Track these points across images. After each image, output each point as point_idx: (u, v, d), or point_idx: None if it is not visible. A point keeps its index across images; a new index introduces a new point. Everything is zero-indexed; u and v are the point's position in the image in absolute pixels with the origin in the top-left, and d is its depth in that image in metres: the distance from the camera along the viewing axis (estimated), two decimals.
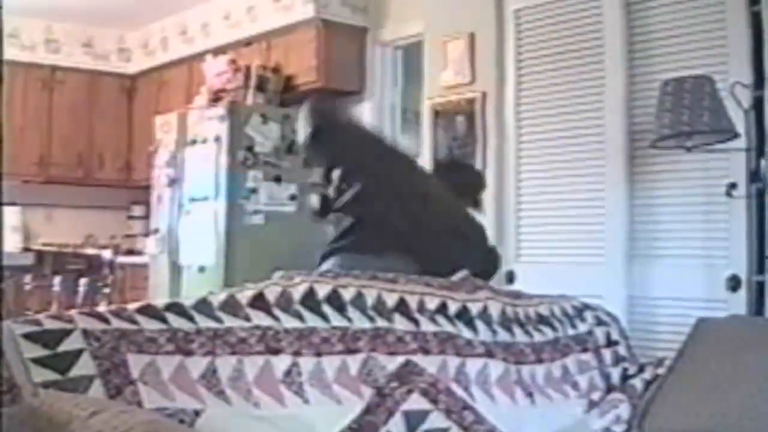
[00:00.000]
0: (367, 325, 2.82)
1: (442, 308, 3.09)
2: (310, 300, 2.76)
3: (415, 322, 2.95)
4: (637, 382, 3.42)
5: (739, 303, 4.27)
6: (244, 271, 5.97)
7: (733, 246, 4.36)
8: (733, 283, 4.32)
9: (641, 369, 3.55)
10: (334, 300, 2.82)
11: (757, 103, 4.28)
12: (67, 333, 2.21)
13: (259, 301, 2.66)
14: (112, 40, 9.49)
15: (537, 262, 5.28)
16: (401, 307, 2.96)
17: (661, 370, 3.45)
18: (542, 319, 3.45)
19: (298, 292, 2.76)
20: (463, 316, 3.13)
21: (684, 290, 4.50)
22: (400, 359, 2.80)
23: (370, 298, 2.91)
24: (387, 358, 2.78)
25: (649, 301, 4.69)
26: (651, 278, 4.71)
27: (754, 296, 4.25)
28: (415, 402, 2.73)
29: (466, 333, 3.07)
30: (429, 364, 2.86)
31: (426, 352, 2.89)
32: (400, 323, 2.91)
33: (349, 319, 2.79)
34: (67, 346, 2.19)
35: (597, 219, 4.94)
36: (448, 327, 3.03)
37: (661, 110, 4.17)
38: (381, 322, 2.86)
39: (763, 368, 3.07)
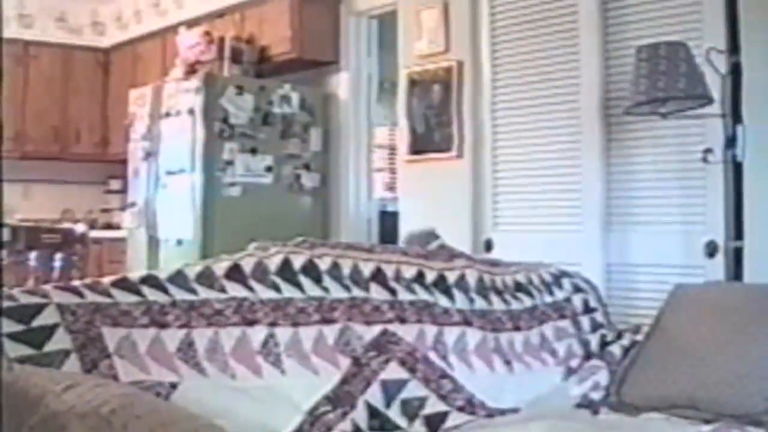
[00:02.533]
0: (343, 294, 2.82)
1: (419, 277, 3.09)
2: (285, 270, 2.76)
3: (392, 291, 2.95)
4: (615, 349, 3.43)
5: (716, 269, 4.28)
6: (222, 244, 5.91)
7: (710, 212, 4.36)
8: (711, 249, 4.32)
9: (619, 336, 3.57)
10: (310, 270, 2.81)
11: (734, 69, 4.27)
12: (41, 307, 2.20)
13: (234, 273, 2.65)
14: (86, 13, 9.41)
15: (514, 230, 5.27)
16: (378, 276, 2.96)
17: (639, 337, 3.46)
18: (520, 287, 3.46)
19: (273, 263, 2.75)
20: (440, 284, 3.13)
21: (661, 257, 4.50)
22: (377, 328, 2.80)
23: (346, 268, 2.91)
24: (364, 327, 2.78)
25: (627, 267, 4.69)
26: (628, 245, 4.71)
27: (732, 262, 4.26)
28: (393, 371, 2.73)
29: (444, 301, 3.08)
30: (406, 333, 2.86)
31: (403, 321, 2.89)
32: (377, 292, 2.91)
33: (326, 289, 2.79)
34: (41, 320, 2.18)
35: (574, 186, 4.93)
36: (425, 296, 3.03)
37: (636, 77, 4.16)
38: (357, 292, 2.86)
39: (740, 333, 3.09)
